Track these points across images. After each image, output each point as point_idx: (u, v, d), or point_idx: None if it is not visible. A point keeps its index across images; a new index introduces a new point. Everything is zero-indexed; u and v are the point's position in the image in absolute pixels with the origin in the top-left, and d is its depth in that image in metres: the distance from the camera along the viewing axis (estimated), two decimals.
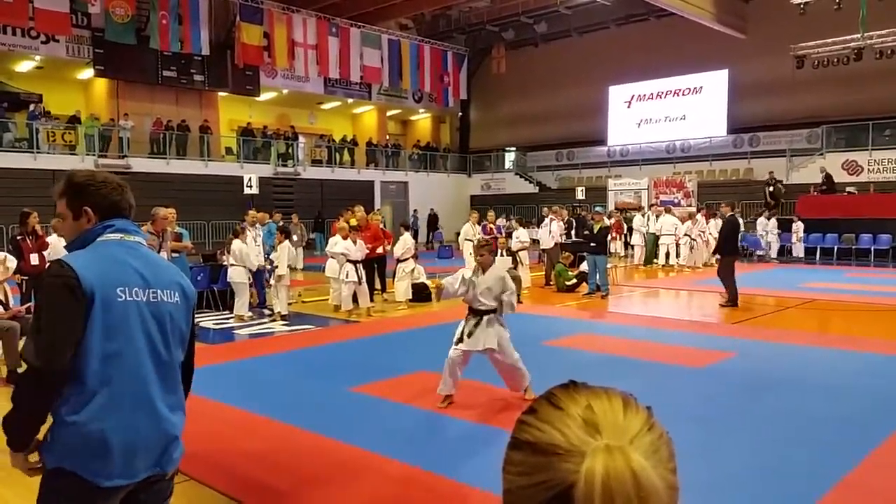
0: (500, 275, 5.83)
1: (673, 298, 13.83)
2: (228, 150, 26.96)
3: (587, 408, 0.70)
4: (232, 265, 10.45)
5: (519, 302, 11.85)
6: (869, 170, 22.88)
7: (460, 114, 35.81)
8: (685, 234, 18.59)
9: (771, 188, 22.39)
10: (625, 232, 21.12)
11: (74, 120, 23.02)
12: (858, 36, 20.56)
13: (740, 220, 14.18)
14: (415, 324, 10.27)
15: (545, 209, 17.18)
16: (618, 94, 30.90)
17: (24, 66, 23.24)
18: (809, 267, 18.51)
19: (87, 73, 23.64)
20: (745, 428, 5.32)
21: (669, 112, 29.61)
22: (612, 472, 0.64)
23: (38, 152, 21.45)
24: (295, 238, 15.68)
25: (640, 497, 0.63)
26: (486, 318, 5.71)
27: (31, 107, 22.69)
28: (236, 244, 10.43)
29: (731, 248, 11.52)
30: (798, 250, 20.12)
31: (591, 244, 12.87)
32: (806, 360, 7.64)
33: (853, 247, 19.75)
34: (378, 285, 12.59)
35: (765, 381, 6.64)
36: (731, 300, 11.42)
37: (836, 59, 21.78)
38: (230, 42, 24.58)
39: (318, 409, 5.94)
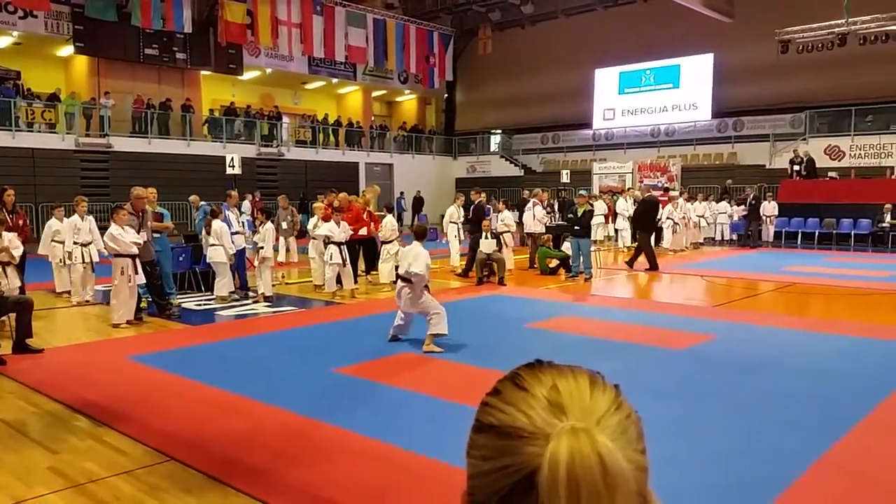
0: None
1: (654, 281, 13.92)
2: (211, 130, 26.65)
3: (552, 388, 0.67)
4: (212, 245, 10.37)
5: (503, 284, 12.03)
6: (851, 155, 23.06)
7: (446, 95, 35.62)
8: (668, 218, 18.69)
9: (798, 167, 21.79)
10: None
11: (54, 98, 22.65)
12: (843, 21, 20.64)
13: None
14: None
15: (526, 192, 17.15)
16: (604, 77, 30.86)
17: (2, 42, 22.79)
18: (790, 251, 18.70)
19: (67, 49, 23.22)
20: (724, 408, 5.38)
21: (655, 96, 29.63)
22: (577, 456, 0.61)
23: (16, 130, 21.11)
24: (285, 226, 13.71)
25: (606, 480, 0.61)
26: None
27: (10, 84, 22.30)
28: (216, 224, 10.34)
29: (474, 229, 13.26)
30: (767, 234, 20.23)
31: (575, 227, 12.90)
32: (785, 342, 7.73)
33: (834, 231, 19.95)
34: (363, 267, 12.59)
35: (744, 362, 6.71)
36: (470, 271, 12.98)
37: (820, 45, 21.87)
38: (213, 19, 24.22)
39: (301, 389, 5.94)
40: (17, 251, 8.03)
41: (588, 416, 0.65)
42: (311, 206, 13.58)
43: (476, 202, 13.77)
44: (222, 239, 10.28)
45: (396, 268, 12.19)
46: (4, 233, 8.05)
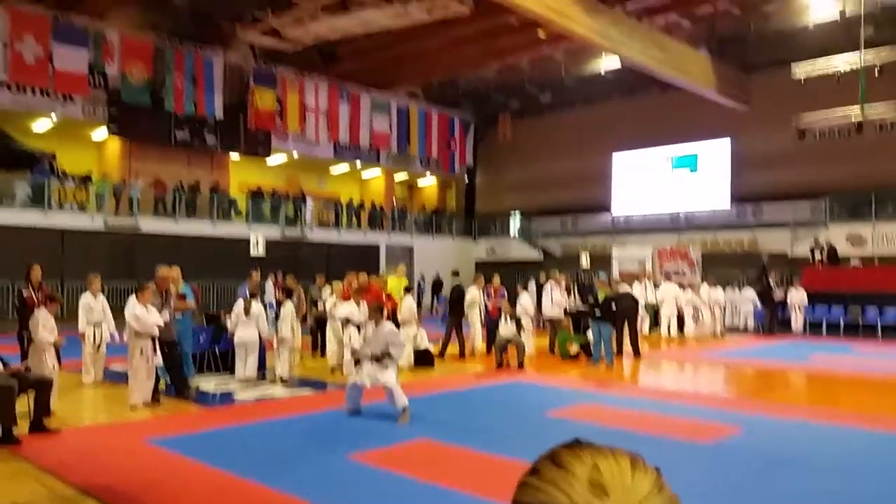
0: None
1: (677, 370, 13.69)
2: (237, 212, 27.08)
3: (593, 468, 0.66)
4: (246, 324, 10.38)
5: (522, 368, 11.89)
6: (873, 242, 22.88)
7: (466, 180, 36.20)
8: (688, 303, 18.47)
9: (820, 254, 21.74)
10: None
11: (87, 179, 23.33)
12: (858, 108, 20.85)
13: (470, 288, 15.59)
14: (417, 390, 10.12)
15: (543, 275, 17.10)
16: (621, 163, 31.29)
17: (41, 125, 23.72)
18: (816, 340, 18.35)
19: (101, 132, 24.07)
20: None
21: (673, 181, 29.88)
22: None
23: (48, 209, 21.68)
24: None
25: None
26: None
27: (47, 164, 23.05)
28: (256, 306, 10.46)
29: (458, 311, 14.05)
30: (796, 323, 19.84)
31: (596, 312, 12.80)
32: (814, 435, 7.50)
33: (860, 322, 19.55)
34: None
35: (772, 457, 6.49)
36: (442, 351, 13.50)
37: (837, 132, 22.05)
38: (243, 105, 25.09)
39: (316, 477, 5.82)
40: (53, 334, 8.05)
41: (630, 498, 0.64)
42: (332, 286, 13.29)
43: (455, 285, 14.38)
44: (259, 320, 10.38)
45: (415, 350, 12.18)
46: (44, 309, 8.07)
